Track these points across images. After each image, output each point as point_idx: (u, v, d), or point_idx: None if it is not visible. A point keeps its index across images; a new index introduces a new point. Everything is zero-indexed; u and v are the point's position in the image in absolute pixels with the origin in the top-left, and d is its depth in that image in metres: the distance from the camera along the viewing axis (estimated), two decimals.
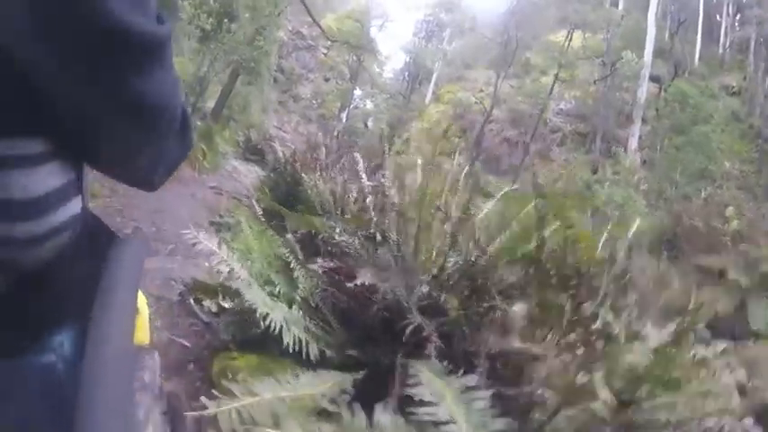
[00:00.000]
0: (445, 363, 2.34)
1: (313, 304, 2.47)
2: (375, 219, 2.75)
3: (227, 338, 2.40)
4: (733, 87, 25.20)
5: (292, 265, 2.64)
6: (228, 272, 2.19)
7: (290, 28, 26.13)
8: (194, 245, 2.18)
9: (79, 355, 0.52)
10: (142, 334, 0.73)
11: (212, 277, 3.51)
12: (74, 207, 0.54)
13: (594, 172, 23.60)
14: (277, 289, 2.49)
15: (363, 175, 3.12)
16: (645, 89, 24.08)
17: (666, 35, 26.54)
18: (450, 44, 34.17)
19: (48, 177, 0.49)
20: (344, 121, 28.58)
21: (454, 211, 2.68)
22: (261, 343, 2.31)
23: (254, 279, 2.67)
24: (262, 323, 1.97)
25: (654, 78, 24.44)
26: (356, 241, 2.68)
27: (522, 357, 2.50)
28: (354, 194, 4.62)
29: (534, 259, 2.37)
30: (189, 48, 10.79)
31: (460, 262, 2.75)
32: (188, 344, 2.50)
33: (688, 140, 19.87)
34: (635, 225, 3.27)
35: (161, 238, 4.44)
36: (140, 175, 0.65)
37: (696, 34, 27.20)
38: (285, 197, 6.79)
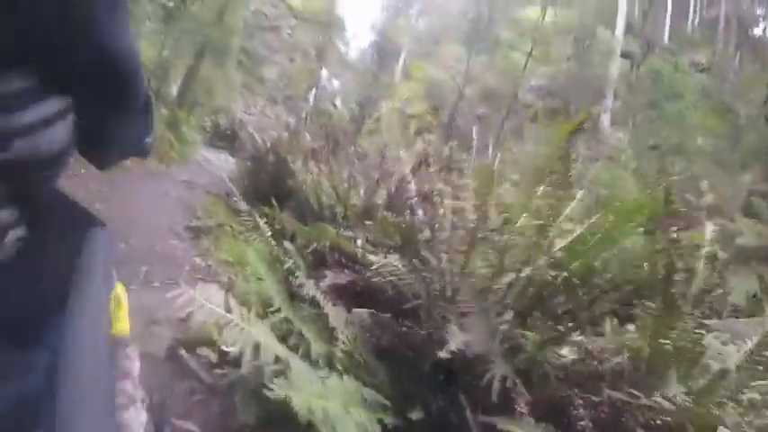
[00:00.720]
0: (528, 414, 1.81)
1: (360, 359, 1.85)
2: (428, 237, 2.12)
3: (249, 420, 1.74)
4: (702, 64, 25.24)
5: (325, 309, 1.98)
6: (253, 349, 1.53)
7: (252, 8, 24.90)
8: (190, 313, 1.53)
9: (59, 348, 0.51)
10: (122, 324, 0.74)
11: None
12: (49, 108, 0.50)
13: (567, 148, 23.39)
14: (313, 350, 1.82)
15: (411, 179, 2.45)
16: (617, 65, 23.94)
17: (636, 11, 26.36)
18: (419, 20, 33.35)
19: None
20: (312, 101, 27.65)
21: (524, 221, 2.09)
22: (292, 419, 1.68)
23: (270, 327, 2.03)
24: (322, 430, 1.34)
25: (624, 55, 24.28)
26: (401, 264, 2.05)
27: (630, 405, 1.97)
28: (363, 191, 3.99)
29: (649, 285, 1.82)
30: (150, 29, 9.80)
31: (533, 282, 2.18)
32: (195, 429, 1.83)
33: (661, 116, 19.78)
34: (708, 231, 2.76)
35: (133, 257, 3.53)
36: (97, 146, 0.61)
37: (665, 10, 27.15)
38: (269, 190, 6.09)
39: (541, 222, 2.10)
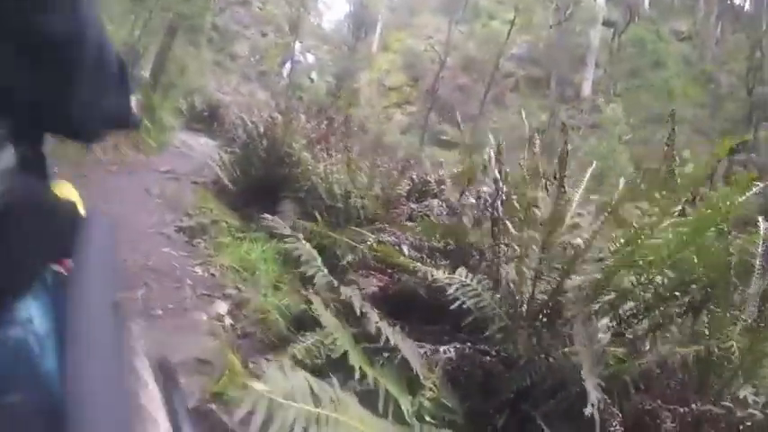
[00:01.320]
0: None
1: (447, 403, 1.54)
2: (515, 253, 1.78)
3: None
4: (683, 33, 25.20)
5: (400, 348, 1.62)
6: None
7: None
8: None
9: (47, 330, 0.53)
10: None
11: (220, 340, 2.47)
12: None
13: (550, 116, 23.25)
14: (403, 406, 1.46)
15: (494, 176, 2.04)
16: (598, 33, 23.70)
17: None
18: None
19: None
20: (287, 76, 26.84)
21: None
22: None
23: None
24: None
25: (606, 23, 24.05)
26: (481, 289, 1.73)
27: None
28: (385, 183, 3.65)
29: None
30: (120, 10, 9.08)
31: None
32: None
33: (643, 85, 19.70)
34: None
35: (124, 275, 2.79)
36: (79, 120, 0.60)
37: None
38: (263, 178, 5.66)
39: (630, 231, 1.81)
